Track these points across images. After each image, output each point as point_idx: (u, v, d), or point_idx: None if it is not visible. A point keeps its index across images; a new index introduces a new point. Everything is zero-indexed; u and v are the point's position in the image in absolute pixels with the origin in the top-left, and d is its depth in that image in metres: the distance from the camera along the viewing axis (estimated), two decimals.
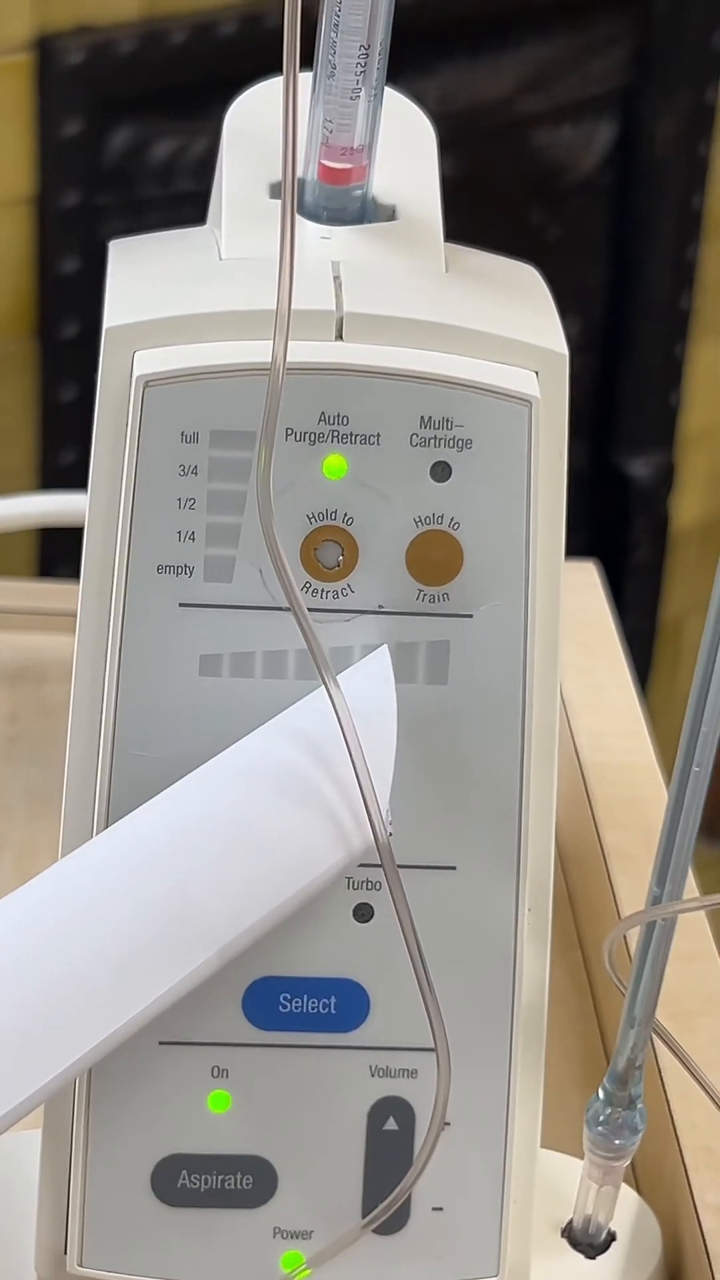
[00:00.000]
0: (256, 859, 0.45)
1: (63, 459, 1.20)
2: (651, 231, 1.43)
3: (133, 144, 1.16)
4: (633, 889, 0.62)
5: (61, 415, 1.19)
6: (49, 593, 0.78)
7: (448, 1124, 0.48)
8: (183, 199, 1.18)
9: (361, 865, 0.47)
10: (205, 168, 1.20)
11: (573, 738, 0.68)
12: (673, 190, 1.42)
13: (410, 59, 1.23)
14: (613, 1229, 0.52)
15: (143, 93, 1.16)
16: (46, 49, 1.11)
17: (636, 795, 0.65)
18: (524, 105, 1.32)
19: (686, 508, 1.54)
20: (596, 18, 1.34)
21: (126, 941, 0.44)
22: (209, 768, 0.45)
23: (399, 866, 0.46)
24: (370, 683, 0.46)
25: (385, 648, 0.46)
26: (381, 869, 0.47)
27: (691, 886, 0.57)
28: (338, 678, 0.45)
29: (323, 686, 0.45)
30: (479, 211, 1.31)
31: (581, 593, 0.75)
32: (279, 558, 0.44)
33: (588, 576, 0.76)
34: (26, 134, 1.12)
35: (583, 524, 1.46)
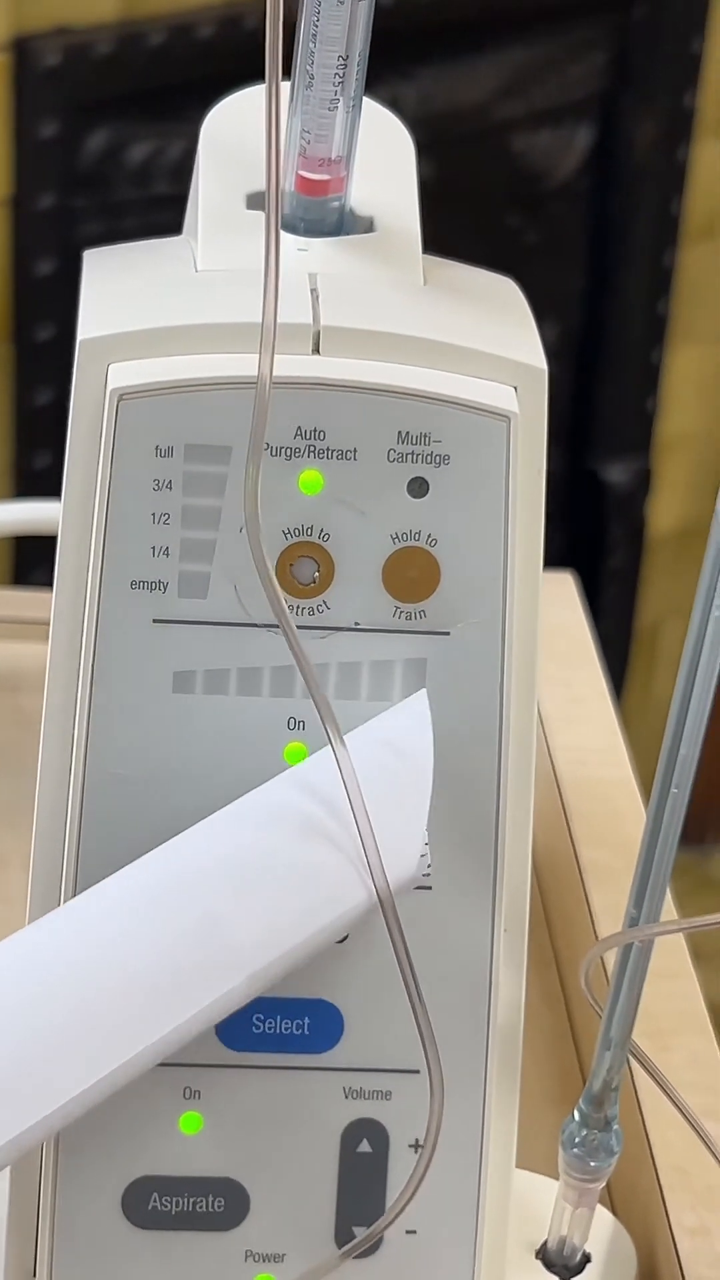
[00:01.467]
0: (282, 890, 0.44)
1: (37, 463, 1.20)
2: (629, 236, 1.42)
3: (109, 146, 1.16)
4: (609, 905, 0.61)
5: (36, 419, 1.18)
6: (23, 601, 0.77)
7: (423, 1146, 0.47)
8: (159, 201, 1.17)
9: None
10: (182, 170, 1.19)
11: (550, 753, 0.68)
12: (651, 195, 1.42)
13: (389, 63, 1.23)
14: (588, 1250, 0.51)
15: (120, 95, 1.15)
16: (23, 50, 1.11)
17: (613, 811, 0.65)
18: (502, 110, 1.31)
19: (663, 513, 1.54)
20: (575, 23, 1.34)
21: (155, 966, 0.43)
22: (232, 808, 0.45)
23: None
24: (409, 720, 0.45)
25: (424, 691, 0.45)
26: None
27: (669, 905, 0.56)
28: (375, 721, 0.44)
29: (338, 741, 0.44)
30: (457, 216, 1.31)
31: (559, 604, 0.75)
32: (268, 577, 0.44)
33: (565, 588, 0.76)
34: (2, 135, 1.11)
35: (559, 529, 1.46)
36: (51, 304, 1.15)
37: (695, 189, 1.44)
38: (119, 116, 1.15)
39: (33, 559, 1.18)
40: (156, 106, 1.17)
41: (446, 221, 1.25)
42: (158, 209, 1.18)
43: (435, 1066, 0.46)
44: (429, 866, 0.45)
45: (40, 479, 1.19)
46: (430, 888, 0.47)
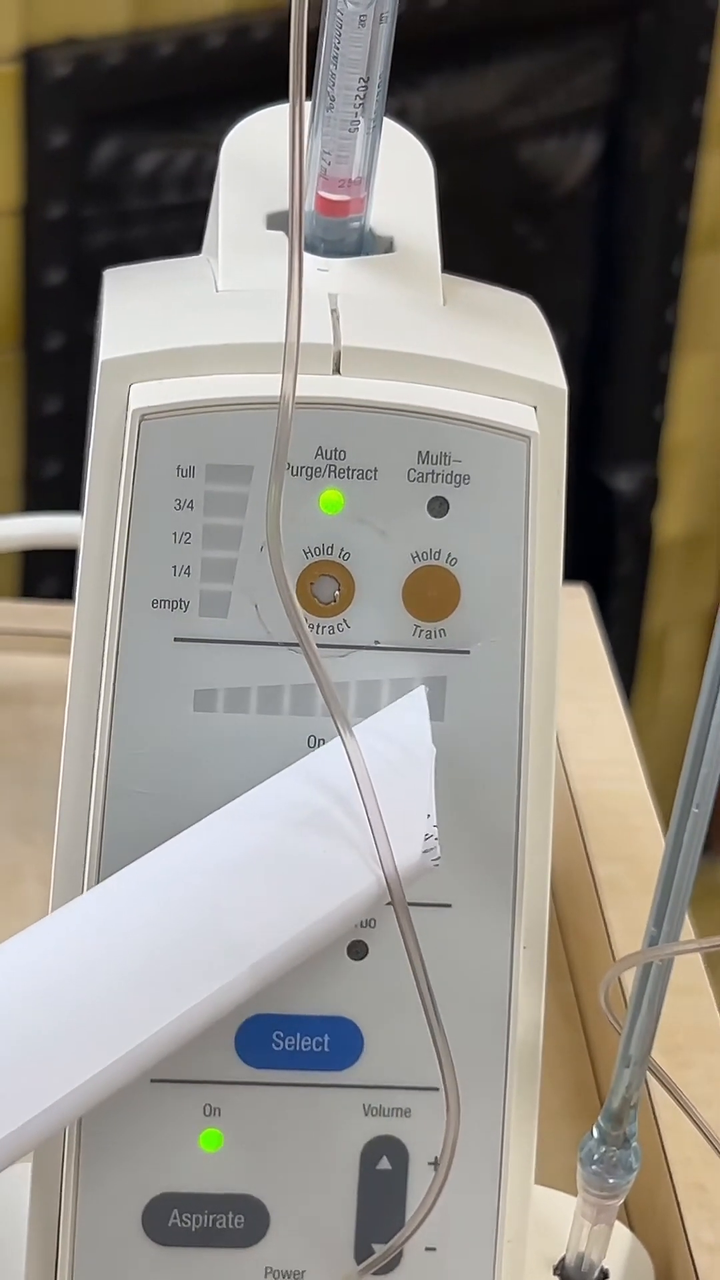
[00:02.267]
0: (284, 879, 0.44)
1: (47, 471, 1.20)
2: (637, 245, 1.43)
3: (119, 156, 1.16)
4: (625, 920, 0.61)
5: (46, 427, 1.18)
6: (35, 613, 0.77)
7: (440, 1163, 0.47)
8: (169, 211, 1.18)
9: None
10: (191, 180, 1.20)
11: (564, 767, 0.68)
12: (658, 204, 1.42)
13: (397, 73, 1.22)
14: (605, 1267, 0.51)
15: (129, 105, 1.15)
16: (33, 61, 1.11)
17: (628, 825, 0.65)
18: (510, 119, 1.31)
19: (670, 521, 1.54)
20: (582, 32, 1.34)
21: (157, 956, 0.43)
22: (236, 803, 0.45)
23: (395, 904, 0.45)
24: (408, 714, 0.46)
25: (422, 688, 0.46)
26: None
27: (685, 921, 0.56)
28: (373, 717, 0.45)
29: (347, 730, 0.44)
30: (465, 224, 1.31)
31: (572, 617, 0.75)
32: (288, 595, 0.44)
33: (578, 601, 0.76)
34: (13, 145, 1.12)
35: (567, 537, 1.46)
36: (61, 313, 1.16)
37: (703, 197, 1.44)
38: (129, 126, 1.16)
39: (42, 570, 1.18)
40: (166, 116, 1.17)
41: (455, 230, 1.25)
42: (167, 218, 1.18)
43: (451, 1082, 0.46)
44: (438, 857, 0.45)
45: (49, 487, 1.19)
46: (450, 905, 0.47)
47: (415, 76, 1.25)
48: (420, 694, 0.46)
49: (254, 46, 1.17)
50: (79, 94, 1.13)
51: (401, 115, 1.28)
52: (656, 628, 1.57)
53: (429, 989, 0.45)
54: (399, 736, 0.45)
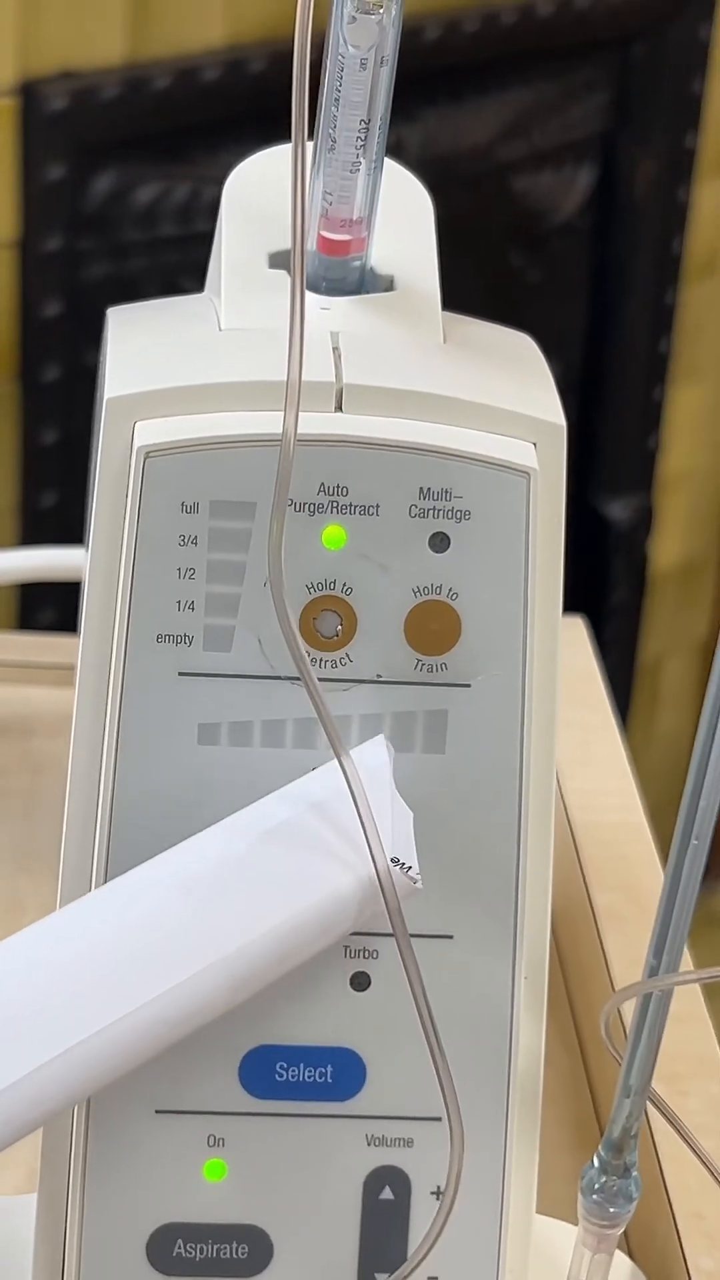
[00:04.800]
0: (261, 884, 0.45)
1: (44, 502, 1.20)
2: (631, 275, 1.43)
3: (115, 189, 1.16)
4: (623, 950, 0.62)
5: (42, 458, 1.19)
6: (34, 645, 0.78)
7: (444, 1194, 0.47)
8: (165, 243, 1.18)
9: (358, 934, 0.47)
10: (188, 212, 1.20)
11: (562, 797, 0.68)
12: (652, 234, 1.43)
13: (393, 105, 1.23)
14: None
15: (126, 137, 1.16)
16: (30, 94, 1.11)
17: (626, 855, 0.65)
18: (504, 151, 1.32)
19: (665, 550, 1.55)
20: (576, 64, 1.35)
21: (132, 950, 0.44)
22: (213, 828, 0.46)
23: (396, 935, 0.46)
24: (367, 751, 0.46)
25: (381, 736, 0.46)
26: (378, 938, 0.47)
27: (685, 954, 0.57)
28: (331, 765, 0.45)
29: (327, 762, 0.45)
30: (460, 255, 1.31)
31: (568, 648, 0.75)
32: (290, 630, 0.44)
33: (575, 632, 0.76)
34: (9, 178, 1.12)
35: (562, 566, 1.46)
36: (58, 344, 1.16)
37: (696, 228, 1.45)
38: (125, 159, 1.16)
39: (40, 601, 1.19)
40: (162, 149, 1.17)
41: (451, 261, 1.26)
42: (164, 251, 1.18)
43: (455, 1113, 0.46)
44: (417, 878, 0.45)
45: (46, 518, 1.20)
46: (452, 936, 0.47)
47: (411, 109, 1.26)
48: (381, 739, 0.46)
49: (250, 79, 1.17)
50: (75, 127, 1.13)
51: (397, 148, 1.29)
52: (651, 656, 1.57)
53: (431, 1019, 0.45)
54: (364, 771, 0.46)
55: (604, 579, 1.49)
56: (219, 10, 1.17)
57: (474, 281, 1.31)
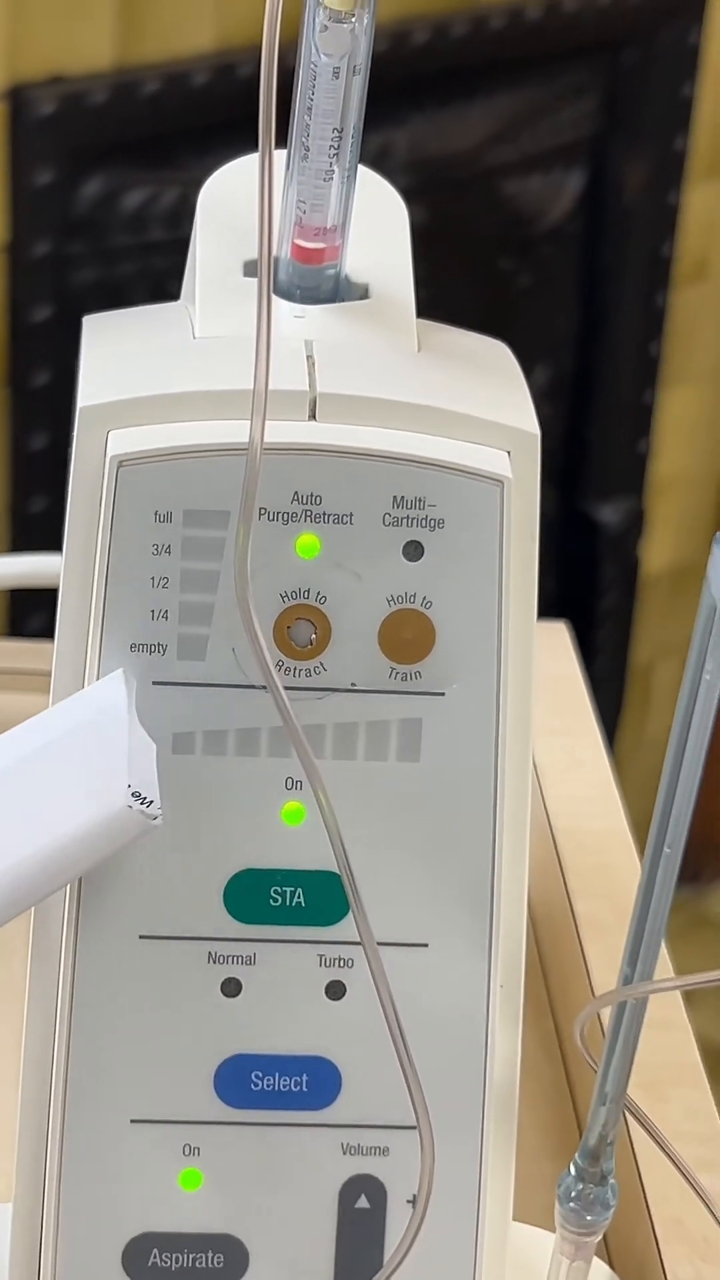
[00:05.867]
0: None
1: (33, 506, 1.20)
2: (621, 279, 1.43)
3: (104, 193, 1.16)
4: (604, 957, 0.62)
5: (32, 463, 1.19)
6: (21, 652, 0.78)
7: (416, 1203, 0.47)
8: (154, 248, 1.18)
9: (334, 943, 0.47)
10: (177, 217, 1.20)
11: (544, 803, 0.68)
12: (642, 238, 1.43)
13: (381, 109, 1.23)
14: None
15: (115, 142, 1.16)
16: (18, 99, 1.11)
17: (607, 862, 0.65)
18: (494, 155, 1.32)
19: (656, 553, 1.55)
20: (565, 68, 1.35)
21: None
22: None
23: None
24: (103, 685, 0.46)
25: (120, 671, 0.46)
26: (354, 946, 0.47)
27: (664, 958, 0.57)
28: (73, 698, 0.45)
29: (315, 773, 0.45)
30: (450, 260, 1.31)
31: (552, 654, 0.75)
32: (255, 637, 0.44)
33: (559, 638, 0.76)
34: None
35: (553, 570, 1.47)
36: (47, 350, 1.16)
37: (686, 232, 1.45)
38: (114, 164, 1.16)
39: (29, 606, 1.19)
40: (151, 154, 1.17)
41: (440, 265, 1.26)
42: (153, 255, 1.18)
43: (424, 1121, 0.46)
44: (156, 816, 0.44)
45: (35, 523, 1.20)
46: (427, 944, 0.47)
47: (399, 113, 1.26)
48: (119, 673, 0.46)
49: (239, 84, 1.18)
50: (64, 132, 1.13)
51: (385, 152, 1.29)
52: (642, 660, 1.58)
53: (400, 1027, 0.45)
54: (96, 703, 0.45)
55: (595, 583, 1.49)
56: (208, 15, 1.17)
57: (464, 286, 1.31)
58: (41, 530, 1.19)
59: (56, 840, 0.44)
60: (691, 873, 1.59)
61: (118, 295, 1.18)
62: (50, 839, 0.44)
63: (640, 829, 0.68)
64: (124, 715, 0.45)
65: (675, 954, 0.61)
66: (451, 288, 1.31)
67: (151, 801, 0.44)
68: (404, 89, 1.26)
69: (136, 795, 0.44)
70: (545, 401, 1.41)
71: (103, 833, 0.44)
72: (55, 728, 0.45)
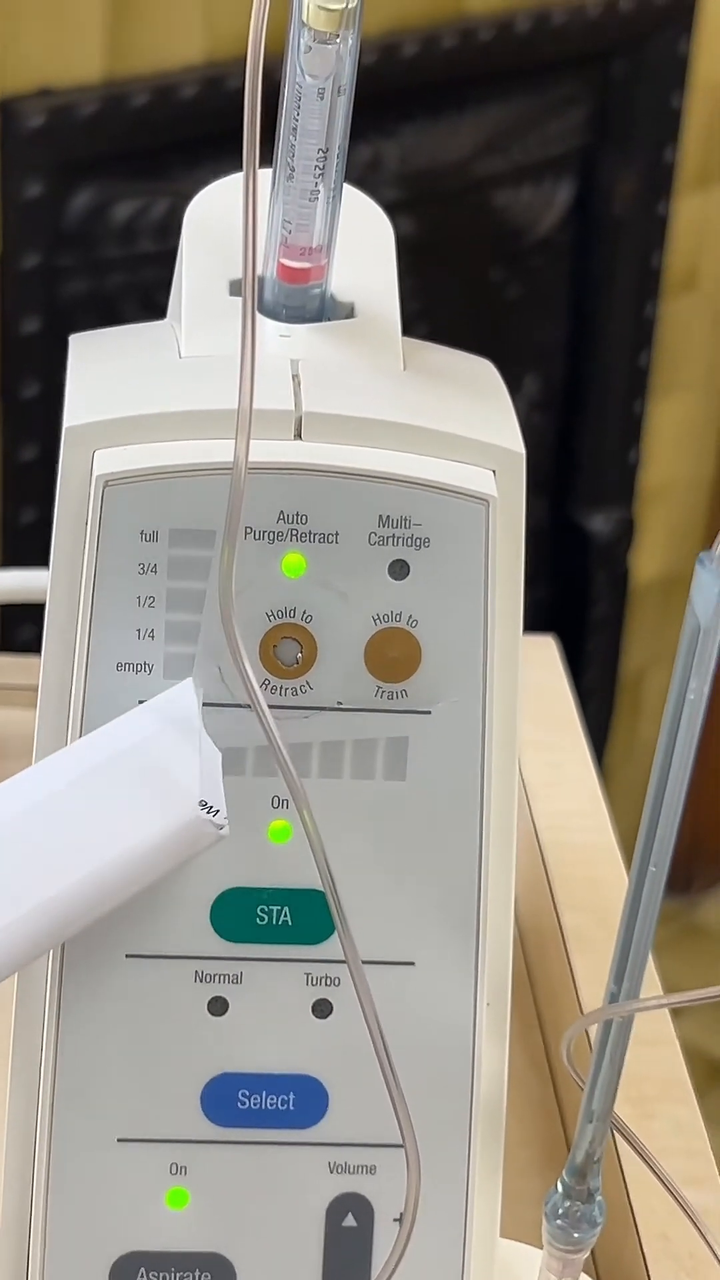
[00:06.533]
0: (61, 832, 0.44)
1: (23, 518, 1.20)
2: (610, 289, 1.44)
3: (94, 205, 1.17)
4: (591, 971, 0.62)
5: (22, 475, 1.19)
6: (9, 666, 0.78)
7: (403, 1220, 0.47)
8: (144, 260, 1.18)
9: (321, 961, 0.47)
10: (166, 229, 1.21)
11: (532, 818, 0.68)
12: (631, 249, 1.43)
13: (371, 121, 1.24)
14: None
15: (104, 154, 1.16)
16: (8, 111, 1.11)
17: (595, 876, 0.65)
18: (484, 166, 1.32)
19: (646, 563, 1.55)
20: (555, 79, 1.35)
21: None
22: (28, 772, 0.46)
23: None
24: (176, 695, 0.46)
25: (189, 680, 0.46)
26: (341, 965, 0.47)
27: (652, 973, 0.57)
28: (144, 707, 0.45)
29: (300, 792, 0.45)
30: (440, 271, 1.32)
31: (540, 668, 0.75)
32: (238, 656, 0.44)
33: (546, 651, 0.76)
34: None
35: (543, 579, 1.47)
36: (37, 361, 1.16)
37: (675, 242, 1.46)
38: (103, 176, 1.16)
39: (20, 618, 1.19)
40: (141, 166, 1.17)
41: (430, 276, 1.26)
42: (143, 267, 1.18)
43: (410, 1139, 0.46)
44: (222, 826, 0.45)
45: (26, 534, 1.20)
46: (413, 963, 0.47)
47: (389, 125, 1.26)
48: (188, 682, 0.46)
49: (228, 96, 1.18)
50: (54, 144, 1.13)
51: (376, 164, 1.29)
52: (633, 669, 1.58)
53: (385, 1045, 0.45)
54: (167, 712, 0.46)
55: (585, 592, 1.49)
56: (197, 27, 1.17)
57: (454, 296, 1.31)
58: (32, 542, 1.19)
59: (128, 850, 0.44)
60: (683, 882, 1.59)
61: (108, 307, 1.18)
62: (121, 848, 0.44)
63: (629, 839, 0.68)
64: (196, 725, 0.45)
65: (666, 964, 0.61)
66: (442, 298, 1.31)
67: (218, 811, 0.44)
68: (394, 101, 1.26)
69: (205, 805, 0.44)
70: (535, 411, 1.41)
71: (173, 843, 0.44)
72: (127, 737, 0.45)
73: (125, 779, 0.45)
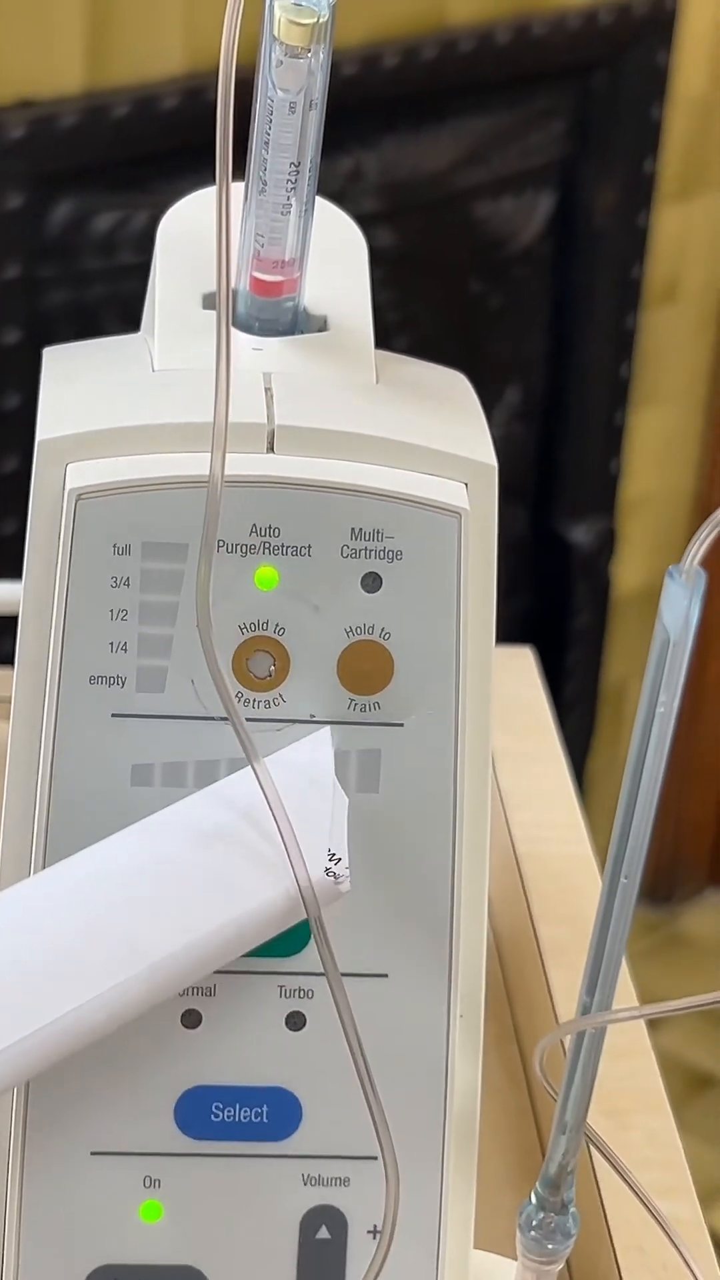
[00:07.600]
0: (186, 888, 0.45)
1: (4, 529, 1.20)
2: (591, 301, 1.44)
3: (75, 217, 1.17)
4: (567, 982, 0.62)
5: (3, 486, 1.19)
6: None
7: (380, 1233, 0.47)
8: (124, 271, 1.18)
9: (294, 974, 0.47)
10: (147, 240, 1.20)
11: (508, 828, 0.68)
12: (612, 260, 1.44)
13: (352, 132, 1.24)
14: None
15: (85, 166, 1.16)
16: None
17: (571, 887, 0.66)
18: (464, 177, 1.33)
19: (627, 573, 1.55)
20: (535, 91, 1.36)
21: (57, 953, 0.44)
22: (145, 821, 0.46)
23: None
24: (311, 747, 0.46)
25: (327, 730, 0.46)
26: (314, 977, 0.47)
27: (626, 983, 0.57)
28: (281, 751, 0.45)
29: (280, 806, 0.45)
30: (421, 282, 1.32)
31: (518, 679, 0.75)
32: (216, 670, 0.44)
33: (523, 662, 0.77)
34: None
35: (524, 590, 1.47)
36: (18, 373, 1.16)
37: (656, 254, 1.46)
38: (84, 187, 1.16)
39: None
40: (121, 177, 1.18)
41: (411, 288, 1.26)
42: (123, 279, 1.19)
43: (389, 1151, 0.46)
44: (345, 879, 0.45)
45: (7, 545, 1.20)
46: (387, 975, 0.47)
47: (370, 136, 1.26)
48: (325, 733, 0.46)
49: (208, 107, 1.17)
50: (34, 156, 1.13)
51: (356, 175, 1.29)
52: (615, 679, 1.58)
53: (364, 1058, 0.45)
54: (305, 767, 0.46)
55: (567, 603, 1.50)
56: (177, 39, 1.17)
57: (435, 307, 1.31)
58: (13, 553, 1.19)
59: (245, 911, 0.45)
60: (664, 893, 1.59)
61: (89, 318, 1.18)
62: (240, 909, 0.45)
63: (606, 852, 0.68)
64: (328, 779, 0.46)
65: (648, 975, 0.61)
66: (423, 309, 1.31)
67: (341, 859, 0.45)
68: (375, 112, 1.26)
69: (332, 856, 0.45)
70: (516, 422, 1.41)
71: (290, 906, 0.45)
72: (250, 795, 0.45)
73: (257, 833, 0.45)
